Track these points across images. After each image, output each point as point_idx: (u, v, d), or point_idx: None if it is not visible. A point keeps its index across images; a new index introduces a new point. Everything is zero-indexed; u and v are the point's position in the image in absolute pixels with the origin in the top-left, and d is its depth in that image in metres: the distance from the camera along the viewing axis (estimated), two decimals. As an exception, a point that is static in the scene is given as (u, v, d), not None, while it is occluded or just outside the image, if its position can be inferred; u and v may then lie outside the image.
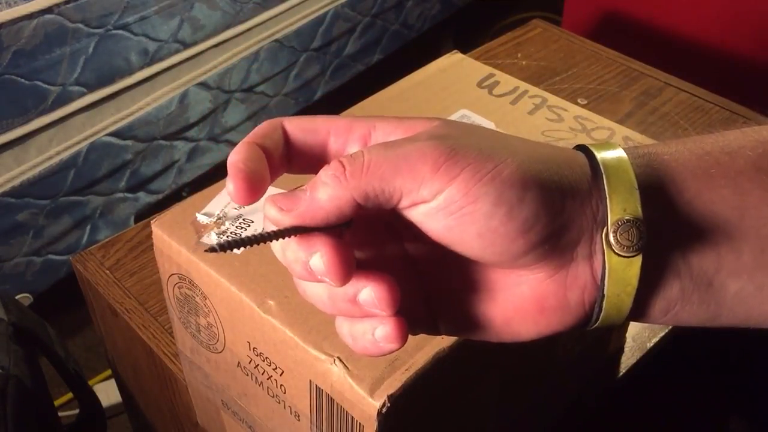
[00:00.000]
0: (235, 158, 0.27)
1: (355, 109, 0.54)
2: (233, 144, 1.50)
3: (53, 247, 1.27)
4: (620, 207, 0.26)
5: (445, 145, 0.25)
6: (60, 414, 0.86)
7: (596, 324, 0.28)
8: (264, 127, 0.29)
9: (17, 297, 1.22)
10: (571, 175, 0.26)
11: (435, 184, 0.25)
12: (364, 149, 0.26)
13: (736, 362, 0.92)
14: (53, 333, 0.77)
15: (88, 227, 1.31)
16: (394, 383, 0.37)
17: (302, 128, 0.29)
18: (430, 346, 0.38)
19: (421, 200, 0.25)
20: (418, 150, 0.25)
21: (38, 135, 1.19)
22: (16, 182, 1.17)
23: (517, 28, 0.97)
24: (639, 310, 0.27)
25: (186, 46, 1.34)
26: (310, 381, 0.40)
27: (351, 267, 0.26)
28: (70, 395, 1.21)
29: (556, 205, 0.26)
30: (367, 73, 1.71)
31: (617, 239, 0.26)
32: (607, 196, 0.26)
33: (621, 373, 0.66)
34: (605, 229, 0.26)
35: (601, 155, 0.27)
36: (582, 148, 0.28)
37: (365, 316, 0.27)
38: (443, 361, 0.39)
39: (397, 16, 1.73)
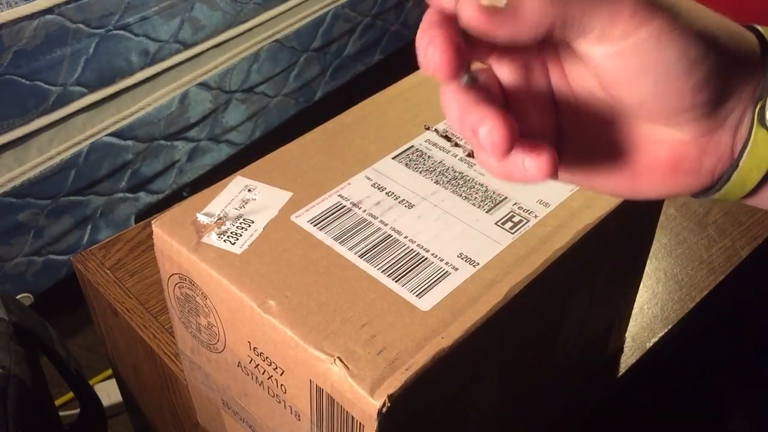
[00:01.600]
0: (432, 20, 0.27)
1: (355, 109, 0.55)
2: (234, 144, 1.51)
3: (54, 247, 1.27)
4: None
5: (648, 3, 0.26)
6: (60, 414, 0.86)
7: (716, 194, 0.29)
8: None
9: (18, 297, 1.22)
10: (743, 46, 0.27)
11: (630, 25, 0.25)
12: None
13: (736, 362, 0.92)
14: (54, 333, 0.77)
15: (89, 227, 1.31)
16: (394, 383, 0.37)
17: None
18: (430, 345, 0.39)
19: (611, 39, 0.26)
20: (630, 3, 0.26)
21: (39, 135, 1.19)
22: (17, 182, 1.17)
23: (517, 29, 0.97)
24: (759, 190, 0.28)
25: (186, 46, 1.34)
26: (311, 381, 0.40)
27: (512, 144, 0.26)
28: (70, 395, 1.21)
29: (728, 71, 0.27)
30: (367, 74, 1.71)
31: None
32: None
33: (621, 373, 0.66)
34: (761, 102, 0.27)
35: None
36: (751, 28, 0.29)
37: (480, 149, 0.27)
38: (443, 361, 0.39)
39: (398, 16, 1.73)
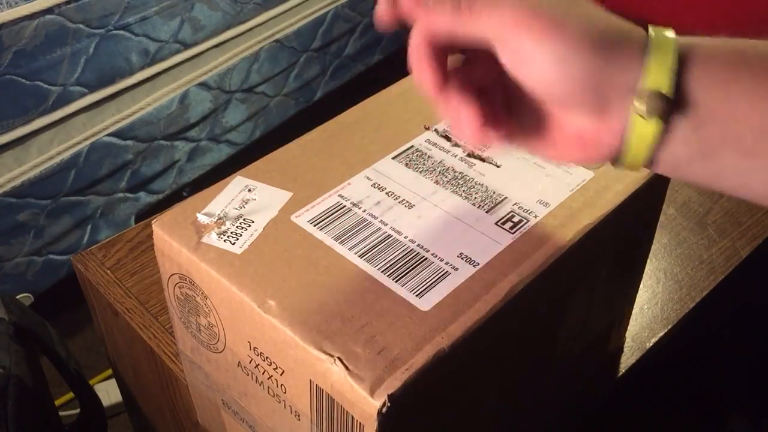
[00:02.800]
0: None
1: (355, 109, 0.55)
2: (234, 144, 1.51)
3: (54, 247, 1.27)
4: (653, 80, 0.32)
5: (528, 5, 0.33)
6: (61, 414, 0.86)
7: (620, 164, 0.35)
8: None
9: (18, 297, 1.22)
10: (621, 48, 0.33)
11: (514, 38, 0.33)
12: None
13: (735, 362, 0.92)
14: (54, 333, 0.77)
15: (89, 227, 1.31)
16: (394, 383, 0.37)
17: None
18: (430, 345, 0.39)
19: (501, 46, 0.33)
20: (507, 7, 0.33)
21: (39, 135, 1.19)
22: (17, 182, 1.17)
23: (517, 29, 0.97)
24: (651, 163, 0.34)
25: (186, 46, 1.34)
26: (311, 381, 0.40)
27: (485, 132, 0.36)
28: (70, 395, 1.21)
29: (600, 67, 0.32)
30: (367, 74, 1.71)
31: (643, 105, 0.32)
32: (646, 69, 0.33)
33: (620, 373, 0.66)
34: (636, 95, 0.33)
35: (654, 35, 0.34)
36: (642, 25, 0.35)
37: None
38: (443, 361, 0.39)
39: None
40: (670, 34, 0.34)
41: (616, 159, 0.35)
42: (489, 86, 0.37)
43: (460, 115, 0.36)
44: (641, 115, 0.33)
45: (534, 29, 0.32)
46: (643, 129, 0.33)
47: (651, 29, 0.34)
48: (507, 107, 0.38)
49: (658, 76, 0.32)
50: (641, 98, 0.32)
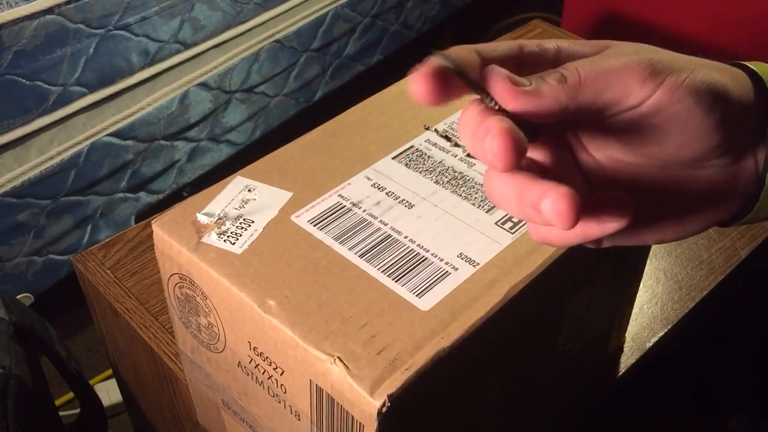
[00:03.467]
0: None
1: (355, 109, 0.55)
2: (234, 144, 1.51)
3: (54, 247, 1.27)
4: None
5: (646, 59, 0.30)
6: (61, 413, 0.86)
7: (751, 213, 0.32)
8: (460, 50, 0.30)
9: (18, 297, 1.22)
10: (739, 83, 0.31)
11: (643, 92, 0.29)
12: (575, 64, 0.30)
13: (735, 362, 0.92)
14: (54, 332, 0.77)
15: (89, 227, 1.31)
16: (394, 383, 0.37)
17: (493, 50, 0.31)
18: (430, 345, 0.39)
19: (629, 107, 0.30)
20: (625, 66, 0.30)
21: (39, 135, 1.19)
22: (17, 182, 1.17)
23: (517, 29, 0.97)
24: None
25: (186, 46, 1.34)
26: (311, 380, 0.40)
27: (578, 213, 0.28)
28: (70, 395, 1.21)
29: (735, 104, 0.30)
30: (367, 74, 1.71)
31: None
32: None
33: (620, 373, 0.66)
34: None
35: (757, 67, 0.32)
36: (738, 65, 0.33)
37: (543, 224, 0.29)
38: (443, 361, 0.39)
39: (397, 16, 1.73)
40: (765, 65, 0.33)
41: (747, 206, 0.33)
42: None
43: (542, 205, 0.28)
44: None
45: (662, 78, 0.29)
46: None
47: (751, 66, 0.33)
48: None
49: None
50: None
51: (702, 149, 0.31)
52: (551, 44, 0.32)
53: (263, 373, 0.43)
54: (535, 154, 0.32)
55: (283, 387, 0.42)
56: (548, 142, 0.32)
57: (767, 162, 0.31)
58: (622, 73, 0.29)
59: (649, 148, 0.31)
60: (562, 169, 0.32)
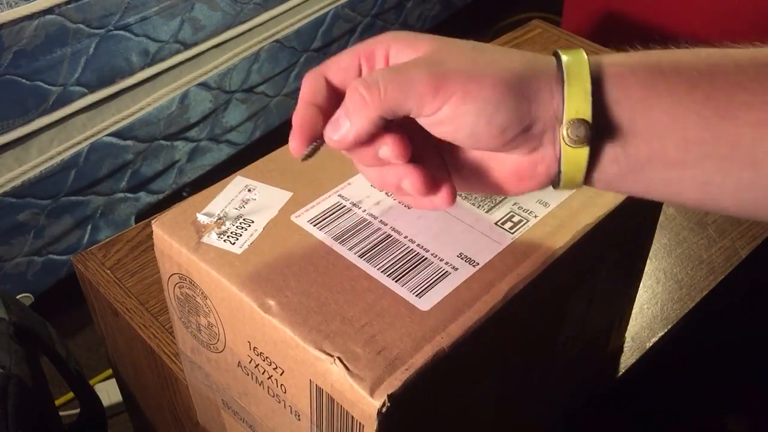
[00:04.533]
0: (296, 121, 0.38)
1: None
2: (234, 144, 1.51)
3: (54, 247, 1.27)
4: (574, 110, 0.34)
5: (440, 71, 0.34)
6: (61, 413, 0.86)
7: (559, 187, 0.37)
8: (310, 83, 0.38)
9: (18, 297, 1.22)
10: (539, 84, 0.34)
11: (434, 104, 0.34)
12: (378, 74, 0.35)
13: (735, 362, 0.92)
14: (54, 332, 0.77)
15: (89, 227, 1.31)
16: (394, 383, 0.37)
17: (338, 69, 0.38)
18: (430, 345, 0.39)
19: (425, 115, 0.35)
20: (420, 77, 0.34)
21: (39, 135, 1.19)
22: (17, 182, 1.17)
23: (517, 29, 0.97)
24: (587, 181, 0.36)
25: (186, 46, 1.34)
26: (310, 380, 0.40)
27: (428, 187, 0.37)
28: (70, 395, 1.21)
29: (523, 111, 0.34)
30: (368, 74, 1.71)
31: (569, 134, 0.34)
32: (565, 100, 0.34)
33: (620, 373, 0.66)
34: (562, 125, 0.34)
35: (567, 64, 0.34)
36: (555, 54, 0.36)
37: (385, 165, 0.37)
38: (443, 361, 0.39)
39: (397, 16, 1.73)
40: (581, 58, 0.35)
41: (554, 183, 0.37)
42: (422, 152, 0.38)
43: (403, 185, 0.37)
44: (569, 144, 0.34)
45: (450, 93, 0.33)
46: (573, 156, 0.35)
47: (563, 56, 0.35)
48: (443, 165, 0.39)
49: (577, 105, 0.34)
50: (566, 128, 0.34)
51: (494, 147, 0.35)
52: (382, 46, 0.37)
53: (263, 373, 0.43)
54: (401, 132, 0.37)
55: (282, 387, 0.42)
56: (409, 126, 0.37)
57: (561, 156, 0.35)
58: (417, 86, 0.34)
59: (454, 142, 0.36)
60: (421, 146, 0.38)
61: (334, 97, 0.38)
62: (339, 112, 0.36)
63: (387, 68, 0.35)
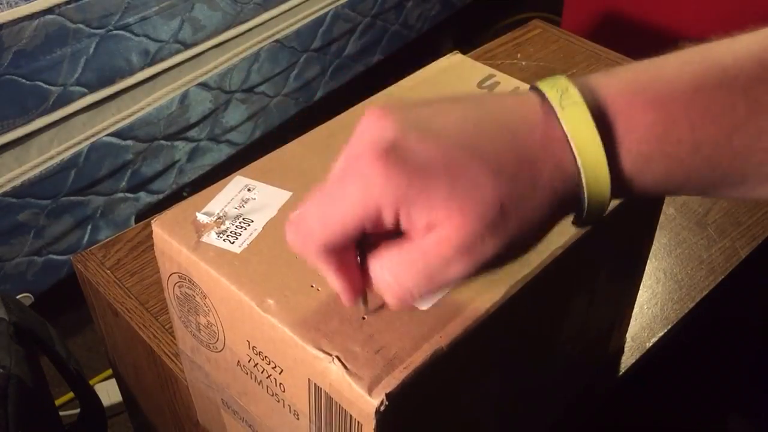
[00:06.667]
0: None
1: (355, 109, 0.55)
2: (234, 144, 1.51)
3: (54, 247, 1.27)
4: (591, 165, 0.32)
5: (420, 186, 0.31)
6: (61, 413, 0.86)
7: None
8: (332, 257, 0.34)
9: (18, 297, 1.22)
10: (545, 147, 0.32)
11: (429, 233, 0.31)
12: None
13: (736, 362, 0.92)
14: (54, 332, 0.77)
15: (89, 227, 1.31)
16: (392, 382, 0.37)
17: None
18: (429, 344, 0.39)
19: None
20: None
21: (39, 135, 1.19)
22: (17, 182, 1.17)
23: (517, 29, 0.98)
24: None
25: (186, 46, 1.34)
26: (309, 379, 0.40)
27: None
28: (70, 395, 1.21)
29: (525, 193, 0.32)
30: (367, 74, 1.71)
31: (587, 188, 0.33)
32: (580, 160, 0.32)
33: (620, 373, 0.66)
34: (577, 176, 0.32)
35: (564, 118, 0.32)
36: (539, 92, 0.33)
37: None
38: (442, 360, 0.39)
39: (397, 16, 1.73)
40: (575, 103, 0.32)
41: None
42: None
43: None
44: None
45: (444, 209, 0.30)
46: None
47: (553, 106, 0.32)
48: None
49: (591, 159, 0.32)
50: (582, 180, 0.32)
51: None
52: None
53: (262, 372, 0.43)
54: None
55: (281, 386, 0.42)
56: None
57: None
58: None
59: None
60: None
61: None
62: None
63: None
